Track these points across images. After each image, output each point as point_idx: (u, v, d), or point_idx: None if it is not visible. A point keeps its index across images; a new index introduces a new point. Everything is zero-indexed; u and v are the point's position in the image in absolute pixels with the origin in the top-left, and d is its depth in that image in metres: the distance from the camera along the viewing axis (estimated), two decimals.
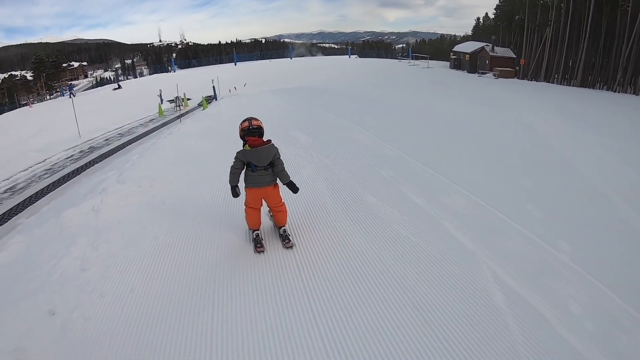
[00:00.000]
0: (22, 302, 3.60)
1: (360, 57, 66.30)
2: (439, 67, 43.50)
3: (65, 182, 8.65)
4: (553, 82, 30.64)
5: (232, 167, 4.20)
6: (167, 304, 3.58)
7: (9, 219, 6.64)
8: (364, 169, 6.95)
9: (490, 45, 38.51)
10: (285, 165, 4.29)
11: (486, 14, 52.19)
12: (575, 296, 3.50)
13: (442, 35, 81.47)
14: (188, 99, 23.13)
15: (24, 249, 4.60)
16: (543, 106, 16.13)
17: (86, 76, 65.05)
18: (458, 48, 44.25)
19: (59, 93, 51.01)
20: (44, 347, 3.17)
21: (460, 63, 42.12)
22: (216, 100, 23.37)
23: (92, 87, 57.48)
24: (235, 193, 4.27)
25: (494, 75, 34.56)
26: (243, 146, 4.16)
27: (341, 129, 10.75)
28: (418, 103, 16.33)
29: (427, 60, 46.66)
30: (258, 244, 4.31)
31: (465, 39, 57.37)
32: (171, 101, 21.81)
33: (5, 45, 64.23)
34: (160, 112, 19.89)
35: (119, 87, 42.95)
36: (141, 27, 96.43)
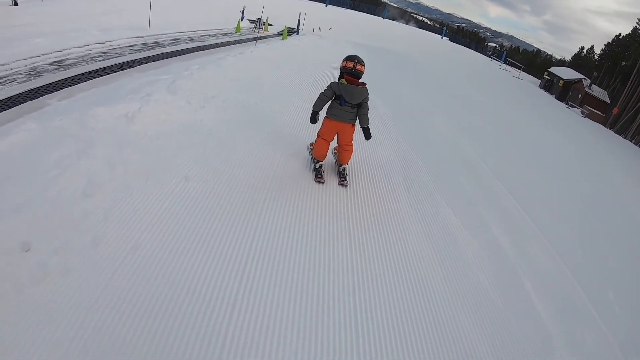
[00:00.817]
0: None
1: (451, 41, 63.31)
2: (529, 82, 40.74)
3: (114, 72, 7.72)
4: (638, 145, 27.73)
5: (321, 94, 4.33)
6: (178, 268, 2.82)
7: (41, 96, 5.78)
8: (445, 171, 6.16)
9: (589, 80, 35.06)
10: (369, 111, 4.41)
11: (592, 46, 48.66)
12: None
13: (538, 50, 76.33)
14: (269, 24, 21.93)
15: (30, 142, 3.49)
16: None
17: None
18: (554, 70, 40.85)
19: None
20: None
21: (552, 86, 38.79)
22: (297, 34, 22.08)
23: None
24: (314, 119, 4.43)
25: (583, 112, 31.09)
26: (339, 79, 4.29)
27: (422, 109, 9.82)
28: (506, 115, 15.04)
29: (519, 70, 43.18)
30: (319, 175, 4.49)
31: (561, 63, 53.66)
32: (252, 21, 20.51)
33: None
34: (238, 28, 18.73)
35: None
36: None
